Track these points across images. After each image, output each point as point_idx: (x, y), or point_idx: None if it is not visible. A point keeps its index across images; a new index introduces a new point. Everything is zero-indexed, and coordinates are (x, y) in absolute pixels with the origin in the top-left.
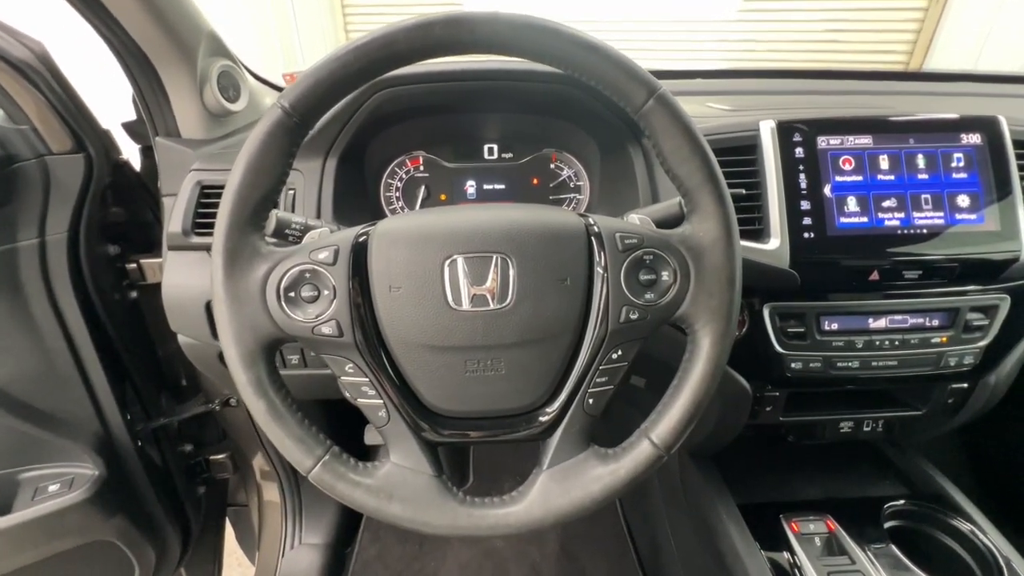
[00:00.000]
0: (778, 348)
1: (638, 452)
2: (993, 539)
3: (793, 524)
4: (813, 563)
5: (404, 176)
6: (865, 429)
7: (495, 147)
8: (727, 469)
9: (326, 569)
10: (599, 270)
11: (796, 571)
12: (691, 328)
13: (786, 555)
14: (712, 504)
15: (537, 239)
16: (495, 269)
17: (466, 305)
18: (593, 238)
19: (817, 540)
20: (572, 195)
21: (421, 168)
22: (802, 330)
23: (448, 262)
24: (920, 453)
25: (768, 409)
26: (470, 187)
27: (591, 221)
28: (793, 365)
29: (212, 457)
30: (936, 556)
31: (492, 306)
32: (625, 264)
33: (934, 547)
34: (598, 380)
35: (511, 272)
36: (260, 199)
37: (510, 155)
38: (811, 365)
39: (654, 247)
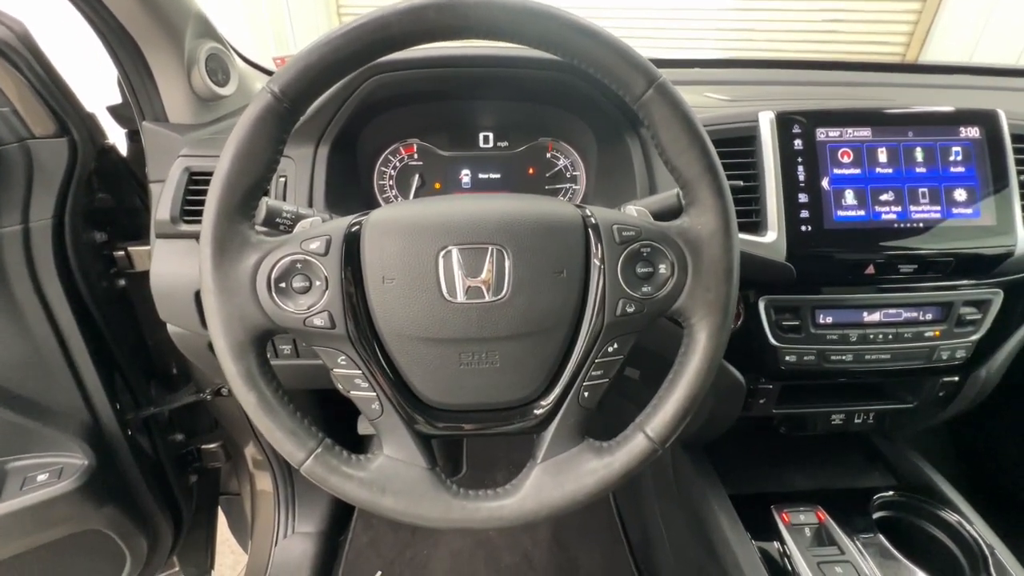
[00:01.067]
0: (773, 341)
1: (633, 445)
2: (978, 529)
3: (784, 515)
4: (803, 553)
5: (398, 164)
6: (856, 421)
7: (491, 135)
8: (719, 460)
9: (319, 557)
10: (596, 262)
11: (786, 561)
12: (687, 322)
13: (776, 545)
14: (703, 495)
15: (533, 230)
16: (490, 260)
17: (460, 297)
18: (590, 230)
19: (807, 531)
20: (568, 185)
21: (415, 156)
22: (797, 323)
23: (443, 253)
24: (909, 445)
25: (762, 401)
26: (465, 176)
27: (588, 212)
28: (787, 358)
29: (204, 446)
30: (923, 546)
31: (487, 298)
32: (622, 256)
33: (922, 537)
34: (593, 373)
35: (507, 264)
36: (249, 187)
37: (506, 144)
38: (805, 358)
39: (652, 239)
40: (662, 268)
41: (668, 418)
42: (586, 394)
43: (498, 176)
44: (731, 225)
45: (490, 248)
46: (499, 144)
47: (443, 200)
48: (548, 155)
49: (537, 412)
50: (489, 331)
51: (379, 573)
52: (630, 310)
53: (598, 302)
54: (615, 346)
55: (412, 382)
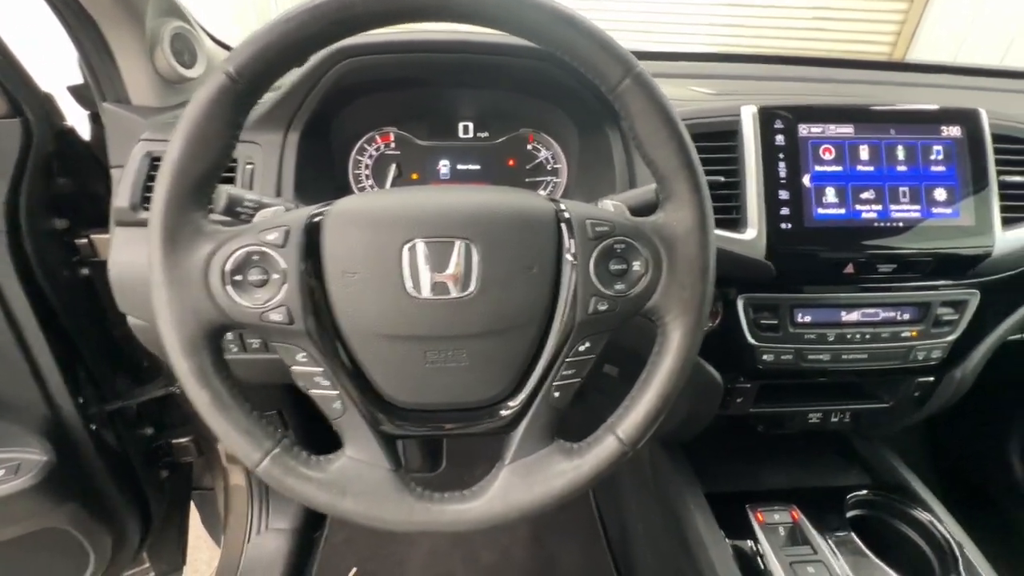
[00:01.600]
0: (751, 340)
1: (603, 448)
2: (949, 527)
3: (758, 514)
4: (776, 553)
5: (374, 153)
6: (833, 420)
7: (470, 125)
8: (697, 457)
9: (293, 554)
10: (568, 258)
11: (760, 560)
12: (661, 320)
13: (750, 544)
14: (680, 493)
15: (503, 224)
16: (458, 255)
17: (426, 293)
18: (562, 224)
19: (781, 530)
20: (549, 178)
21: (392, 145)
22: (775, 322)
23: (407, 246)
24: (886, 444)
25: (739, 400)
26: (443, 167)
27: (561, 206)
28: (765, 357)
29: (175, 441)
30: (895, 544)
31: (454, 294)
32: (595, 253)
33: (895, 536)
34: (564, 373)
35: (475, 259)
36: (203, 173)
37: (486, 134)
38: (782, 357)
39: (626, 235)
40: (636, 265)
41: (639, 420)
42: (557, 394)
43: (478, 167)
44: (708, 222)
45: (457, 242)
46: (479, 134)
47: (409, 191)
48: (529, 146)
49: (506, 412)
50: (456, 329)
51: (354, 570)
52: (602, 308)
53: (569, 299)
54: (587, 345)
55: (376, 380)
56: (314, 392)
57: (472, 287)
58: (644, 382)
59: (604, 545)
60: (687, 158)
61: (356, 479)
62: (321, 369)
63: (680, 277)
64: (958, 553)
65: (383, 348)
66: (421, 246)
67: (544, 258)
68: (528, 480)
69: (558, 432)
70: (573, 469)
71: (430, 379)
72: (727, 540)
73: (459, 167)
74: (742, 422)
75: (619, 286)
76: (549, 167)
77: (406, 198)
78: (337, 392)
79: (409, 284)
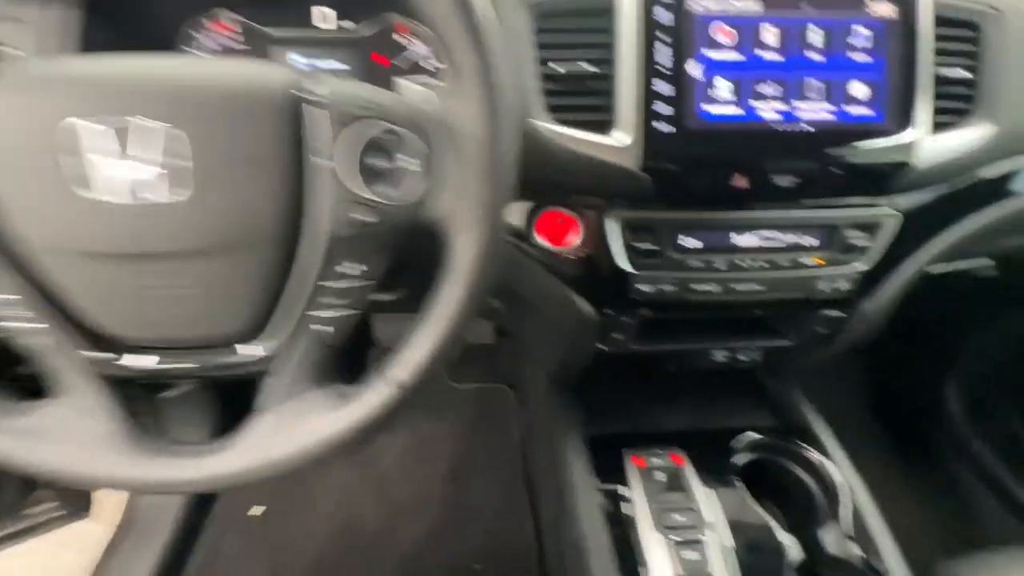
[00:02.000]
0: (625, 267)
1: (375, 392)
2: (843, 471)
3: (635, 458)
4: (649, 499)
5: (215, 47)
6: (742, 359)
7: (329, 12)
8: (594, 398)
9: (195, 493)
10: (315, 155)
11: (627, 506)
12: (446, 235)
13: (622, 489)
14: (562, 435)
15: (220, 104)
16: (154, 143)
17: (117, 197)
18: (306, 107)
19: (661, 474)
20: (431, 80)
21: (239, 37)
22: (655, 247)
23: (65, 127)
24: (797, 384)
25: (619, 336)
26: (301, 65)
27: (308, 82)
28: (642, 288)
29: None
30: (786, 488)
31: (154, 198)
32: (350, 144)
33: (787, 479)
34: (328, 302)
35: (177, 150)
36: None
37: (351, 24)
38: (663, 288)
39: (394, 121)
40: (408, 163)
41: (416, 358)
42: (326, 328)
43: (345, 67)
44: (498, 105)
45: (149, 125)
46: (342, 23)
47: (95, 58)
48: (400, 38)
49: (259, 351)
50: (165, 245)
51: (258, 509)
52: (365, 219)
53: (319, 208)
54: (362, 268)
55: (84, 310)
56: (5, 325)
57: (179, 190)
58: (425, 313)
59: (524, 483)
60: (470, 18)
61: (63, 430)
62: (3, 296)
63: (465, 179)
64: (841, 497)
65: (79, 269)
66: (87, 127)
67: (279, 151)
68: (287, 429)
69: (329, 375)
70: (342, 417)
71: (151, 309)
72: (599, 486)
73: (320, 65)
74: (646, 360)
75: (385, 189)
76: (430, 67)
77: (80, 64)
78: (32, 325)
79: (73, 181)
